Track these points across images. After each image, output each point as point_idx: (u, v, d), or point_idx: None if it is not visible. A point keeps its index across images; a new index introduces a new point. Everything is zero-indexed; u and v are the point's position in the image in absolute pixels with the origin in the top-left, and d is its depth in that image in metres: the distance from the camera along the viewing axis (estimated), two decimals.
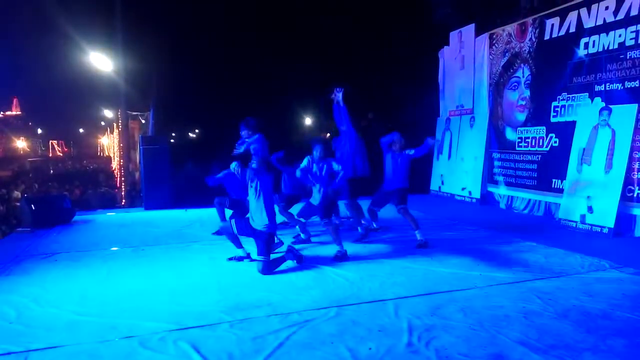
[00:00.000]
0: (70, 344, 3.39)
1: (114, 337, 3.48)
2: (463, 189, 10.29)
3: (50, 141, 60.36)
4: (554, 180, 8.12)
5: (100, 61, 13.52)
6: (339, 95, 6.68)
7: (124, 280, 4.94)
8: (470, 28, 10.36)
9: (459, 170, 10.50)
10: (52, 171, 23.99)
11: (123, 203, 11.23)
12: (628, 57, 6.83)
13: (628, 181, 6.67)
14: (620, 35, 6.94)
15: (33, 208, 7.90)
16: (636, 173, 6.64)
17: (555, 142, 8.20)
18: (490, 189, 9.85)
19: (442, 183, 11.04)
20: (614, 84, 7.07)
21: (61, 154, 56.27)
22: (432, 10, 12.16)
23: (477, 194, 9.87)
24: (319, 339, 3.42)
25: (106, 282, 4.86)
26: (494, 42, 9.74)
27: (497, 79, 9.71)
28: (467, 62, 10.50)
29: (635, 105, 6.63)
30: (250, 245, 5.49)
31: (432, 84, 11.99)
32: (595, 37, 7.35)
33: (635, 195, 6.64)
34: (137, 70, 13.04)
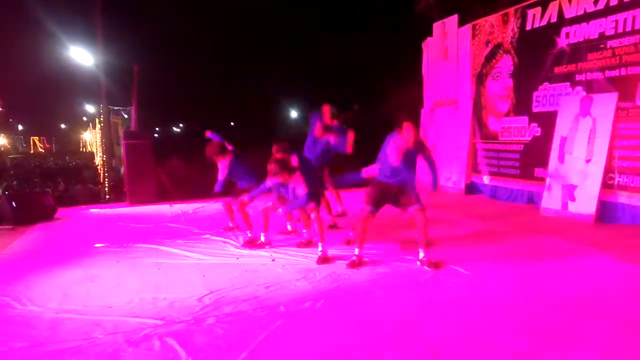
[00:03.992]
0: (54, 343, 3.35)
1: (99, 335, 3.45)
2: (447, 179, 10.35)
3: (31, 137, 59.29)
4: (536, 169, 8.21)
5: (81, 56, 13.32)
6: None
7: (108, 276, 4.90)
8: (454, 19, 10.39)
9: (444, 161, 10.55)
10: (33, 168, 23.56)
11: (107, 199, 11.10)
12: (608, 47, 6.90)
13: (608, 169, 6.77)
14: (600, 25, 7.01)
15: (14, 205, 7.79)
16: (617, 161, 6.74)
17: (537, 131, 8.28)
18: (475, 179, 9.93)
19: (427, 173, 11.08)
20: (595, 73, 7.15)
21: (43, 150, 55.35)
22: (415, 2, 12.19)
23: (461, 184, 9.94)
24: (306, 331, 3.43)
25: (90, 279, 4.80)
26: (477, 32, 9.78)
27: (480, 70, 9.75)
28: (451, 53, 10.53)
29: (616, 94, 6.72)
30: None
31: (417, 75, 12.03)
32: (576, 27, 7.42)
33: (616, 182, 6.74)
34: (119, 64, 12.88)
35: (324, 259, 5.19)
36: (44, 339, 3.42)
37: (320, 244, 5.31)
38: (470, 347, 3.15)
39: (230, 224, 6.98)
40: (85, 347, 3.28)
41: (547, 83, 8.01)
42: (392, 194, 5.02)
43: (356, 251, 5.07)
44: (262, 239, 5.93)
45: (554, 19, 7.84)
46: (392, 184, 5.00)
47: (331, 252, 5.41)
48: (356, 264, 4.97)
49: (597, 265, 4.85)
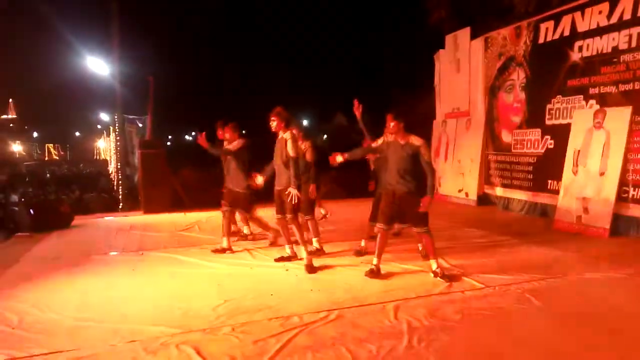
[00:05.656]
0: (72, 349, 3.41)
1: (117, 342, 3.51)
2: (460, 190, 10.35)
3: (46, 145, 60.03)
4: (549, 181, 8.19)
5: (98, 65, 13.54)
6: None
7: (124, 284, 4.97)
8: (466, 31, 10.44)
9: (456, 173, 10.57)
10: (48, 175, 23.89)
11: (121, 207, 11.22)
12: (622, 61, 6.90)
13: (623, 182, 6.74)
14: (614, 39, 7.02)
15: (32, 212, 7.92)
16: (630, 174, 6.71)
17: (550, 144, 8.27)
18: (487, 190, 9.92)
19: (439, 185, 11.10)
20: (608, 87, 7.14)
21: (57, 158, 56.01)
22: (428, 14, 12.27)
23: (473, 196, 9.93)
24: (320, 341, 3.46)
25: (106, 287, 4.88)
26: (489, 45, 9.81)
27: (492, 82, 9.78)
28: (463, 65, 10.57)
29: (630, 108, 6.71)
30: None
31: (429, 87, 12.07)
32: (589, 41, 7.43)
33: (630, 196, 6.71)
34: (135, 74, 13.07)
35: (309, 267, 5.28)
36: (62, 345, 3.48)
37: (304, 252, 5.40)
38: (483, 358, 3.16)
39: (246, 232, 7.04)
40: (104, 354, 3.34)
41: (560, 96, 8.01)
42: (396, 204, 4.93)
43: (374, 261, 5.09)
44: (288, 251, 5.80)
45: (566, 33, 7.86)
46: (395, 191, 4.95)
47: (342, 261, 5.52)
48: (375, 272, 5.00)
49: (612, 279, 4.83)
